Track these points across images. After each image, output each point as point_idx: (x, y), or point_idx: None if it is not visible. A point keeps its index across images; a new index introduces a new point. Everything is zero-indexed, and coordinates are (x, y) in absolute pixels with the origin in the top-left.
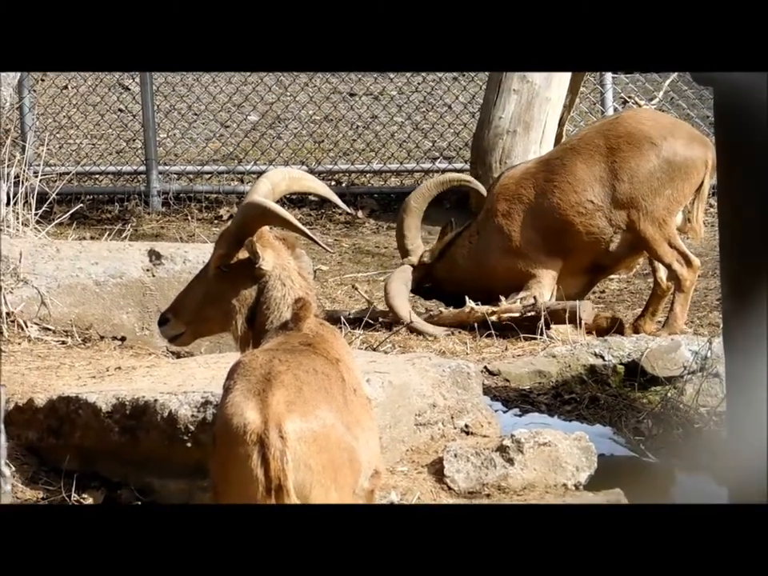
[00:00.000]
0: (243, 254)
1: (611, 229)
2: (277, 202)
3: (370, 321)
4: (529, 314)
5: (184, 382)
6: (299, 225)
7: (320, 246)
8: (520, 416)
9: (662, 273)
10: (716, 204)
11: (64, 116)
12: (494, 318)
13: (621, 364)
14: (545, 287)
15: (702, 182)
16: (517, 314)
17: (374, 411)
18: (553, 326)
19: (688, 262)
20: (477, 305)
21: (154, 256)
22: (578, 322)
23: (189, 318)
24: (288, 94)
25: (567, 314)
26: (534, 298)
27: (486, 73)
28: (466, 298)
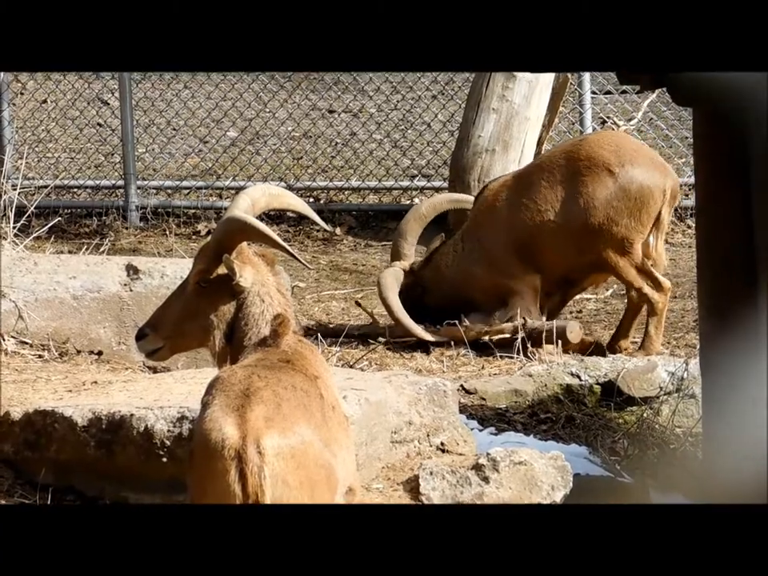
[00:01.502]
0: (222, 270)
1: (575, 249)
2: (256, 218)
3: (372, 341)
4: (519, 335)
5: (160, 396)
6: (280, 241)
7: (300, 262)
8: (496, 434)
9: (633, 291)
10: (694, 225)
11: (43, 130)
12: (486, 337)
13: (597, 384)
14: (530, 304)
15: (660, 211)
16: (508, 335)
17: (351, 429)
18: (540, 348)
19: (658, 286)
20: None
21: (132, 270)
22: (560, 342)
23: (167, 333)
24: (267, 110)
25: (555, 335)
26: (524, 318)
27: (466, 91)
28: (462, 315)
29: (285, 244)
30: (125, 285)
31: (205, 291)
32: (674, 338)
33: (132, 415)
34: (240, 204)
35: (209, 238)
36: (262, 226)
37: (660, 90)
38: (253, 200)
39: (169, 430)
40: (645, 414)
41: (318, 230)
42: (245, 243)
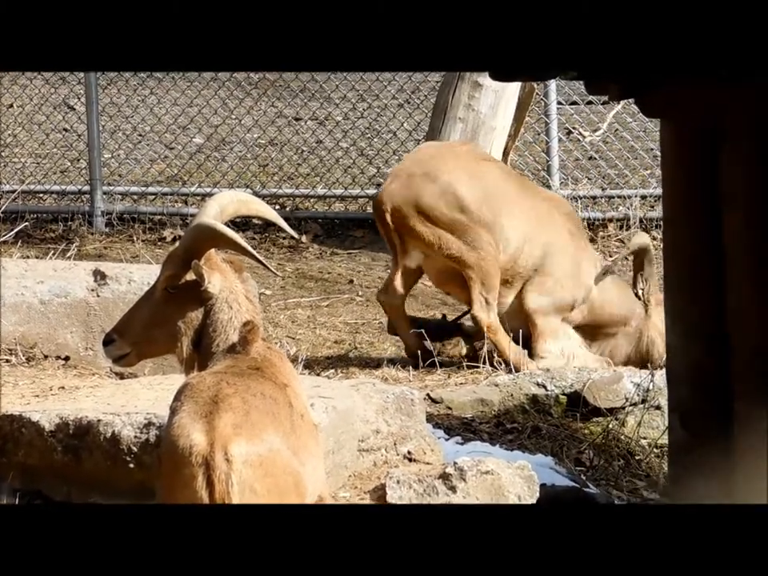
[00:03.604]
0: (191, 276)
1: None
2: (224, 224)
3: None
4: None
5: (127, 402)
6: (249, 248)
7: (269, 269)
8: (462, 444)
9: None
10: (660, 236)
11: (9, 134)
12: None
13: (563, 394)
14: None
15: None
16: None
17: (320, 437)
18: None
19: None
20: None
21: (99, 276)
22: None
23: (134, 339)
24: (233, 116)
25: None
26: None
27: (432, 100)
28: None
29: (254, 251)
30: (92, 290)
31: (173, 297)
32: None
33: (99, 421)
34: (209, 210)
35: (176, 244)
36: (231, 233)
37: (626, 101)
38: (221, 206)
39: (136, 436)
40: (610, 425)
41: (284, 238)
42: (213, 250)
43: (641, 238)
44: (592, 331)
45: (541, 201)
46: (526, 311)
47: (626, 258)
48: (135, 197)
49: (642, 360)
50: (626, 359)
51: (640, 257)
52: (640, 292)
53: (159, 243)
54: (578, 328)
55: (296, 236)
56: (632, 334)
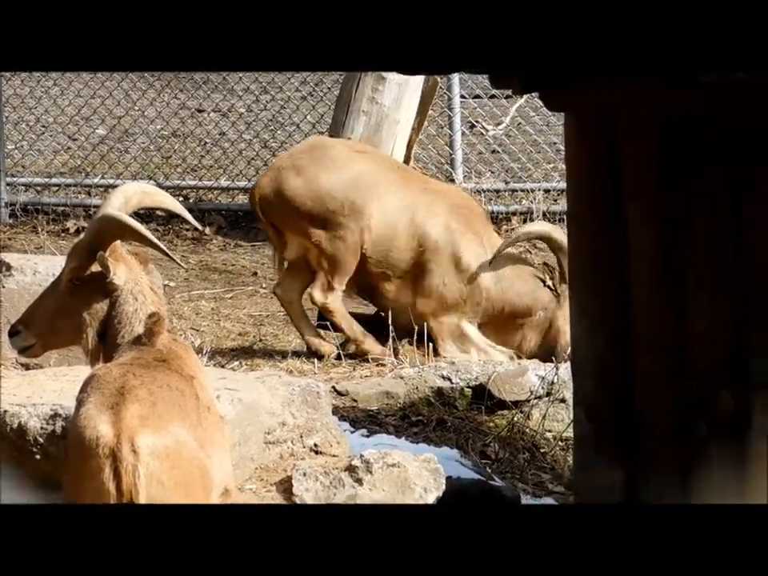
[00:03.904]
0: (95, 268)
1: None
2: (129, 215)
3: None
4: None
5: (33, 394)
6: (155, 240)
7: (175, 261)
8: (368, 437)
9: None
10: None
11: None
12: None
13: (468, 387)
14: None
15: None
16: None
17: (226, 429)
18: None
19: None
20: None
21: (4, 267)
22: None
23: (39, 330)
24: (136, 108)
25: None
26: None
27: (335, 93)
28: None
29: (160, 243)
30: None
31: (78, 289)
32: None
33: (6, 412)
34: (113, 201)
35: (81, 235)
36: (137, 224)
37: (529, 94)
38: (126, 197)
39: (42, 427)
40: (515, 418)
41: (187, 230)
42: (118, 241)
43: (537, 227)
44: (497, 324)
45: (423, 192)
46: (419, 315)
47: (520, 245)
48: (39, 188)
49: (550, 351)
50: (535, 350)
51: (552, 247)
52: (549, 282)
53: (63, 234)
54: (485, 323)
55: (199, 227)
56: (540, 324)
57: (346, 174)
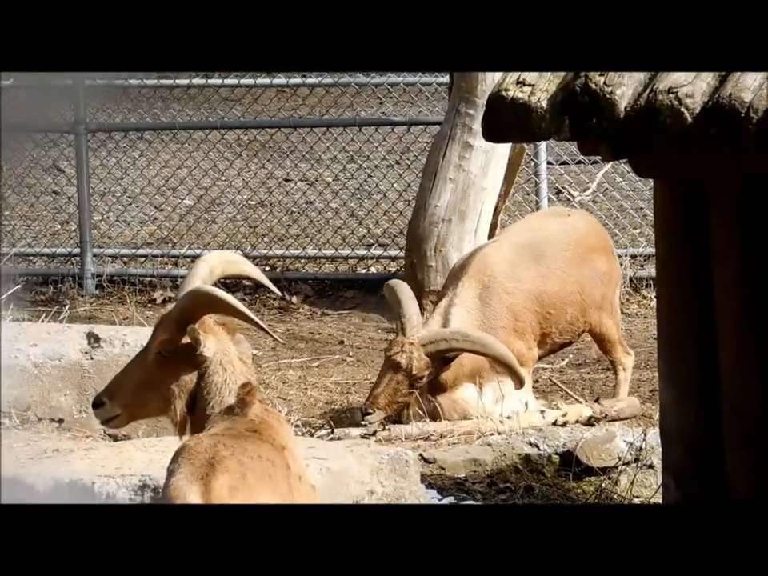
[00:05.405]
0: (185, 340)
1: None
2: (213, 285)
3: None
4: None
5: (122, 464)
6: (249, 313)
7: (269, 334)
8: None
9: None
10: (649, 295)
11: None
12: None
13: (556, 454)
14: None
15: None
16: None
17: (318, 499)
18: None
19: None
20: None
21: (93, 339)
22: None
23: (125, 402)
24: (224, 178)
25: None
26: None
27: (422, 161)
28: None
29: (254, 316)
30: (85, 353)
31: (166, 361)
32: None
33: (94, 483)
34: (199, 271)
35: (169, 306)
36: (230, 298)
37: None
38: (211, 267)
39: (130, 498)
40: (603, 484)
41: (273, 299)
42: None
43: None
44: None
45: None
46: None
47: None
48: (125, 259)
49: None
50: None
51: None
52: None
53: (149, 305)
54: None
55: (280, 294)
56: None
57: None
